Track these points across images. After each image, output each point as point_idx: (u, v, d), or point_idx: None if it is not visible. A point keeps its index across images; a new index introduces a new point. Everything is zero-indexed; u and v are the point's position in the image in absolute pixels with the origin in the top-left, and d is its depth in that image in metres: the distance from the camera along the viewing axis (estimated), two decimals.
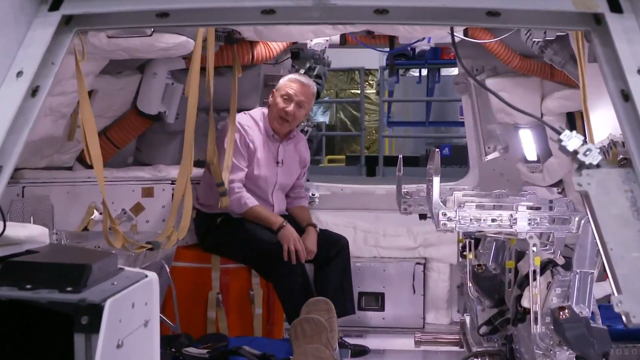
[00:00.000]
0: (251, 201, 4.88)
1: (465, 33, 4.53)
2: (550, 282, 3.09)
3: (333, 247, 5.05)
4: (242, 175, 4.90)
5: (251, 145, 4.93)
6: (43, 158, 4.78)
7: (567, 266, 3.05)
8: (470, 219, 3.14)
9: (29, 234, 2.08)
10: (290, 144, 5.12)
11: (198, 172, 5.03)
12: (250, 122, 4.98)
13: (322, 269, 5.02)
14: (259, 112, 5.08)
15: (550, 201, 3.27)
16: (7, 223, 1.95)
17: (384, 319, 5.56)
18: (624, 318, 1.91)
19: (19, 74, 2.21)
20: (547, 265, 3.17)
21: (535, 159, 5.20)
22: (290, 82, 4.97)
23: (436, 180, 3.15)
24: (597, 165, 1.98)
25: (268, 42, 4.93)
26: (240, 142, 4.89)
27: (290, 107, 4.92)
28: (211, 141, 4.18)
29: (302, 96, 4.95)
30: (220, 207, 4.58)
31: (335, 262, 5.02)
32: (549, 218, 3.14)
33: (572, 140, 1.97)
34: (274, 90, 5.02)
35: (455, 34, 4.30)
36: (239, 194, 4.85)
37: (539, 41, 4.05)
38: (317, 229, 5.11)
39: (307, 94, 4.97)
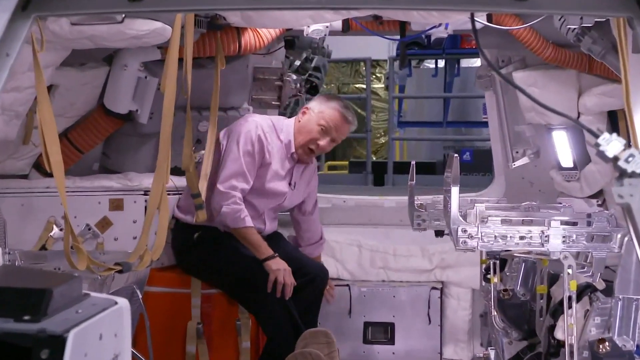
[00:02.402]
0: (249, 220, 4.91)
1: (489, 18, 4.56)
2: (588, 310, 3.11)
3: (304, 274, 5.02)
4: (246, 188, 4.93)
5: (267, 155, 4.98)
6: None
7: (608, 291, 3.07)
8: (495, 236, 3.17)
9: None
10: (303, 167, 5.20)
11: (176, 181, 5.04)
12: (271, 128, 5.04)
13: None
14: (280, 121, 5.14)
15: (589, 215, 3.30)
16: None
17: (394, 353, 5.58)
18: None
19: None
20: (585, 291, 3.19)
21: (571, 165, 5.23)
22: (338, 116, 5.03)
23: (455, 190, 3.18)
24: None
25: (258, 29, 4.96)
26: (257, 149, 4.94)
27: (324, 142, 5.03)
28: (187, 144, 4.21)
29: (342, 135, 5.11)
30: (195, 222, 4.60)
31: (301, 293, 4.99)
32: (587, 235, 3.16)
33: (612, 144, 1.98)
34: (311, 110, 5.04)
35: (476, 19, 4.34)
36: (240, 207, 4.87)
37: (574, 28, 4.07)
38: None
39: (346, 133, 5.15)
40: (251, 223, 4.91)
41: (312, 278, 5.07)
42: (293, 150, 5.05)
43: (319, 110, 5.03)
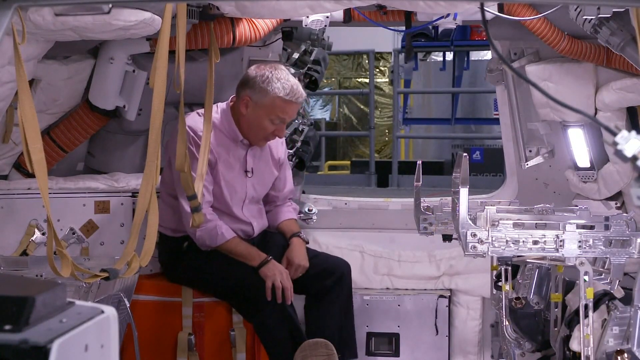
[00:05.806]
0: (229, 231, 4.88)
1: (501, 8, 4.57)
2: (605, 319, 3.12)
3: (330, 274, 5.05)
4: (210, 199, 4.87)
5: (210, 156, 4.80)
6: None
7: (627, 300, 3.08)
8: (507, 241, 3.18)
9: None
10: (257, 149, 5.08)
11: None
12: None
13: (317, 303, 5.03)
14: (216, 110, 4.95)
15: (606, 218, 3.30)
16: None
17: None
18: None
19: None
20: (602, 299, 3.20)
21: (588, 165, 5.24)
22: (284, 104, 4.83)
23: (464, 192, 3.19)
24: None
25: (253, 19, 4.97)
26: (195, 153, 4.69)
27: (280, 129, 4.91)
28: (181, 143, 4.21)
29: (294, 114, 4.98)
30: (191, 227, 4.61)
31: (333, 294, 5.02)
32: (605, 239, 3.17)
33: (630, 142, 1.98)
34: (254, 102, 4.85)
35: (487, 9, 4.36)
36: (212, 222, 4.83)
37: (591, 19, 4.09)
38: (306, 240, 5.15)
39: (297, 109, 5.04)
40: (232, 233, 4.89)
41: (340, 275, 5.06)
42: (241, 137, 4.94)
43: (263, 105, 4.85)
